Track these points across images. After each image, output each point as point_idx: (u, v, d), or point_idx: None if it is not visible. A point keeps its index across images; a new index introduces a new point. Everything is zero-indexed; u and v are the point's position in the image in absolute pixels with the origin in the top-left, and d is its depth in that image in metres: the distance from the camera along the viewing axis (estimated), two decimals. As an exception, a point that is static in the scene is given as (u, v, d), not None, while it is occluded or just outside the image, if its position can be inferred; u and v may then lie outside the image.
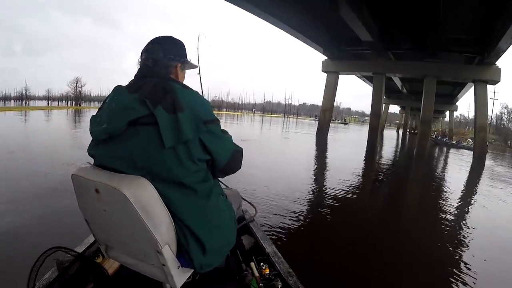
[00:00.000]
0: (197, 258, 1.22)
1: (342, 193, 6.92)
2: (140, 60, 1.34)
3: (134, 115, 1.13)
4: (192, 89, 1.27)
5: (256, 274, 1.90)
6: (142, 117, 1.13)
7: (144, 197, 1.09)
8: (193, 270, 1.33)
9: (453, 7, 12.17)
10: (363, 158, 14.97)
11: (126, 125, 1.13)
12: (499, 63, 17.96)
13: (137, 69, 1.34)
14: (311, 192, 6.93)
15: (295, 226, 4.61)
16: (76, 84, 58.09)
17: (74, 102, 56.90)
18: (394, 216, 6.17)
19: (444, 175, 13.19)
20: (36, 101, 62.30)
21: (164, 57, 1.32)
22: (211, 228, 1.26)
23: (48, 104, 53.14)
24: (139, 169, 1.14)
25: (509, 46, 14.93)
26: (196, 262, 1.22)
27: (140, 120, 1.13)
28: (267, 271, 1.94)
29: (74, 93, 58.44)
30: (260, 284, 1.84)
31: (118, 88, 1.24)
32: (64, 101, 60.31)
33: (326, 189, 7.32)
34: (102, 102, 1.29)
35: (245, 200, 2.61)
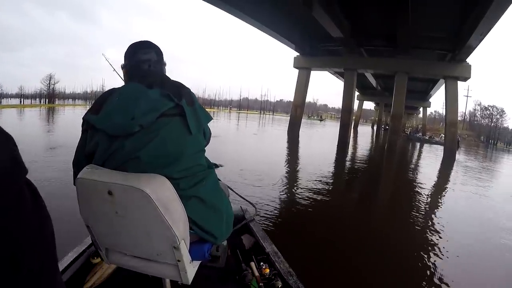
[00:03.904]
0: (218, 231, 1.37)
1: (302, 186, 7.08)
2: (128, 63, 1.45)
3: (164, 107, 1.23)
4: None
5: (256, 273, 1.93)
6: (169, 109, 1.24)
7: (164, 194, 1.13)
8: (199, 263, 1.40)
9: (422, 4, 12.44)
10: (332, 155, 14.96)
11: (157, 116, 1.22)
12: (472, 61, 18.38)
13: (134, 70, 1.43)
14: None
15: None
16: (49, 81, 55.66)
17: (47, 100, 54.54)
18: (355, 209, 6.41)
19: (414, 170, 13.69)
20: (9, 99, 59.95)
21: (158, 60, 1.47)
22: (219, 194, 1.45)
23: (20, 102, 50.81)
24: (169, 155, 1.23)
25: (479, 43, 15.45)
26: (217, 234, 1.37)
27: (167, 112, 1.24)
28: (267, 270, 1.96)
29: (47, 91, 55.98)
30: (260, 284, 1.86)
31: (133, 85, 1.32)
32: (37, 99, 57.93)
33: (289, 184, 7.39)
34: (100, 98, 1.33)
35: (244, 199, 2.81)
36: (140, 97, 1.24)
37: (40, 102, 54.47)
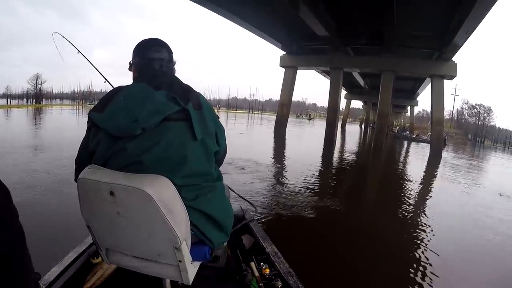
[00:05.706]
0: (215, 237, 1.37)
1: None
2: (139, 61, 1.44)
3: (168, 111, 1.21)
4: None
5: (256, 273, 1.96)
6: (174, 112, 1.23)
7: (167, 195, 1.14)
8: (200, 263, 1.41)
9: (407, 3, 12.60)
10: (318, 153, 14.94)
11: (161, 120, 1.20)
12: (458, 60, 18.81)
13: (145, 69, 1.42)
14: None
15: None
16: (36, 81, 54.84)
17: (34, 100, 53.64)
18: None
19: (400, 167, 13.99)
20: (-3, 99, 58.99)
21: (169, 58, 1.47)
22: (223, 207, 1.43)
23: (7, 102, 49.68)
24: (173, 161, 1.22)
25: (464, 42, 15.86)
26: (214, 240, 1.37)
27: (171, 116, 1.22)
28: (267, 270, 1.99)
29: (34, 91, 55.12)
30: (260, 284, 1.89)
31: (139, 85, 1.31)
32: (24, 99, 56.87)
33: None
34: (106, 96, 1.33)
35: (244, 199, 2.89)
36: (145, 98, 1.23)
37: (27, 102, 53.61)
